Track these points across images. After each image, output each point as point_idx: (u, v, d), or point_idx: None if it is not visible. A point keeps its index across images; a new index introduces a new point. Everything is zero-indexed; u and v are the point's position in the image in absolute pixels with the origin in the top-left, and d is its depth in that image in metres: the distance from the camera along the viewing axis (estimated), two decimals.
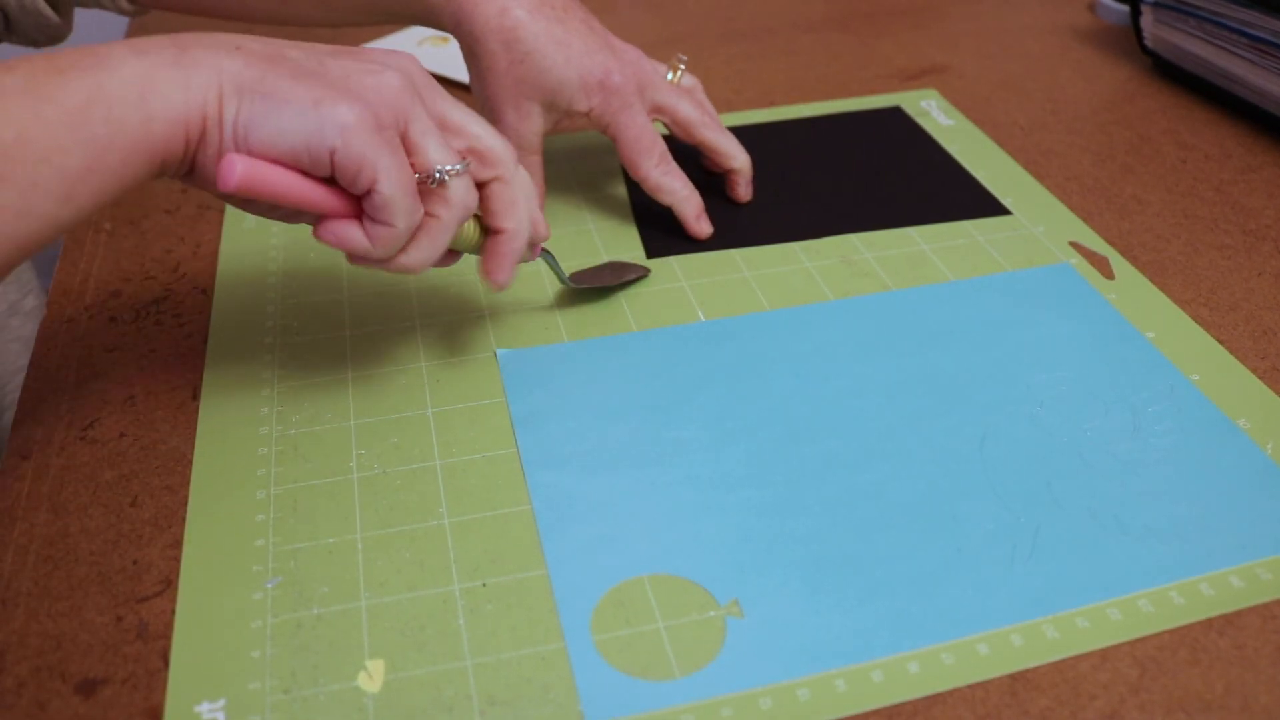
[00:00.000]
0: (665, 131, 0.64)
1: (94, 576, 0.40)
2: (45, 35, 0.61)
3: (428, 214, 0.40)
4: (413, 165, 0.39)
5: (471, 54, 0.54)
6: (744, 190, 0.60)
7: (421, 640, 0.37)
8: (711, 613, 0.38)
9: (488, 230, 0.44)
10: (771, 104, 0.72)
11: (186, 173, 0.38)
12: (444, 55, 0.77)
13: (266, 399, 0.47)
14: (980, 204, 0.61)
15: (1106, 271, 0.55)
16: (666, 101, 0.56)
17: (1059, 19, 0.85)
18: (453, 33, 0.55)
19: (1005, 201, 0.61)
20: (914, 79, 0.75)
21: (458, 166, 0.40)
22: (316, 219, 0.40)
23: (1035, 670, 0.36)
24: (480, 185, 0.43)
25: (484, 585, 0.39)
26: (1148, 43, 0.74)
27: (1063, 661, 0.37)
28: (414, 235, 0.40)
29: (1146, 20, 0.73)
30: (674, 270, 0.55)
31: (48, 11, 0.59)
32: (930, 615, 0.38)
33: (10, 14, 0.59)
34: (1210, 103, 0.71)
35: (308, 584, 0.39)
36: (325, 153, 0.36)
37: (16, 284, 0.74)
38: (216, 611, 0.38)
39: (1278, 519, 0.41)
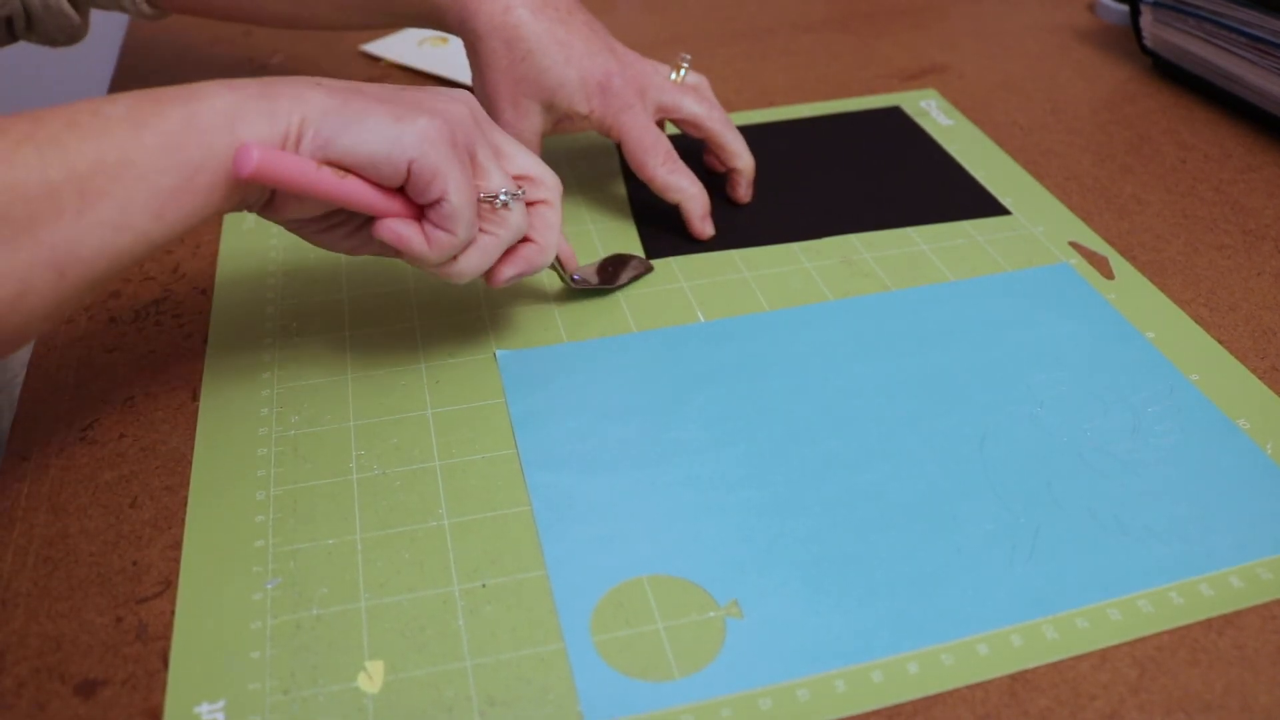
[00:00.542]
0: (675, 131, 0.64)
1: (94, 577, 0.40)
2: (65, 35, 0.61)
3: (483, 230, 0.43)
4: (476, 186, 0.42)
5: (474, 52, 0.54)
6: (744, 191, 0.60)
7: (421, 641, 0.37)
8: (711, 613, 0.38)
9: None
10: (771, 104, 0.72)
11: (266, 201, 0.41)
12: (444, 55, 0.77)
13: (266, 399, 0.47)
14: (980, 204, 0.61)
15: (1106, 271, 0.55)
16: (671, 100, 0.56)
17: (1059, 19, 0.85)
18: (456, 31, 0.55)
19: (1005, 201, 0.61)
20: (914, 79, 0.75)
21: (519, 192, 0.44)
22: (350, 224, 0.43)
23: (1035, 670, 0.36)
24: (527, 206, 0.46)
25: (484, 586, 0.39)
26: (1147, 42, 0.74)
27: (1062, 662, 0.37)
28: (467, 247, 0.43)
29: (1146, 20, 0.73)
30: (673, 271, 0.55)
31: (70, 11, 0.59)
32: (930, 615, 0.38)
33: (33, 13, 0.59)
34: (1210, 102, 0.71)
35: (307, 585, 0.39)
36: (404, 162, 0.39)
37: None
38: (216, 612, 0.38)
39: (1277, 519, 0.41)
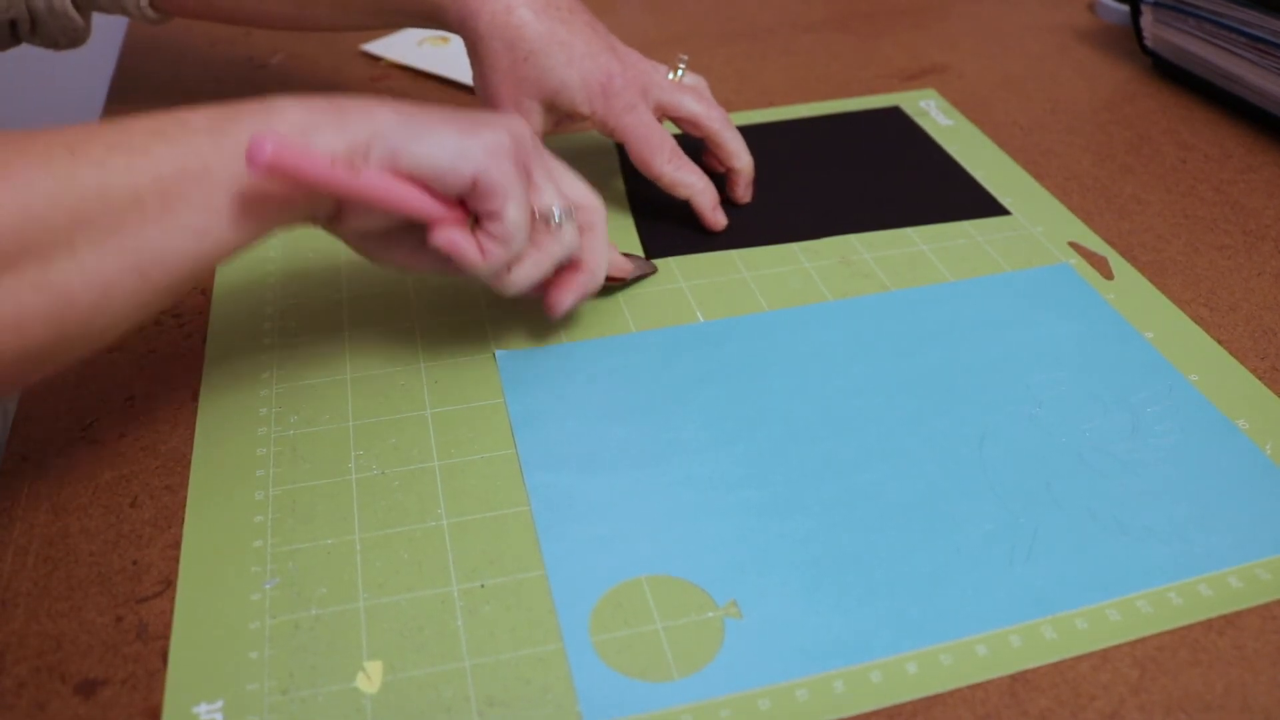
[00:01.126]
0: (675, 130, 0.64)
1: (93, 577, 0.40)
2: (67, 38, 0.61)
3: (536, 246, 0.45)
4: (532, 202, 0.44)
5: (475, 52, 0.55)
6: (743, 191, 0.60)
7: (420, 641, 0.37)
8: (710, 613, 0.38)
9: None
10: (771, 104, 0.72)
11: (334, 214, 0.42)
12: (444, 55, 0.77)
13: (265, 399, 0.47)
14: (979, 204, 0.61)
15: (1106, 272, 0.55)
16: (671, 100, 0.56)
17: (1059, 19, 0.85)
18: (458, 31, 0.55)
19: (1004, 202, 0.61)
20: (914, 79, 0.75)
21: (566, 210, 0.45)
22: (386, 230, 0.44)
23: (1034, 671, 0.36)
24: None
25: (482, 586, 0.39)
26: (1148, 42, 0.74)
27: (1062, 662, 0.37)
28: (521, 260, 0.44)
29: (1146, 20, 0.73)
30: (673, 271, 0.55)
31: (74, 14, 0.59)
32: (929, 616, 0.38)
33: (37, 16, 0.59)
34: (1210, 102, 0.71)
35: (306, 585, 0.39)
36: (470, 175, 0.41)
37: None
38: (215, 612, 0.38)
39: (1277, 519, 0.41)
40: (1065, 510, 0.42)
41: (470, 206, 0.42)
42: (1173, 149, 0.66)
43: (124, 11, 0.61)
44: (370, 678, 0.36)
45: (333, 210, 0.42)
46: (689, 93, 0.57)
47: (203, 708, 0.35)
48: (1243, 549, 0.40)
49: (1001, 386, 0.48)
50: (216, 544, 0.41)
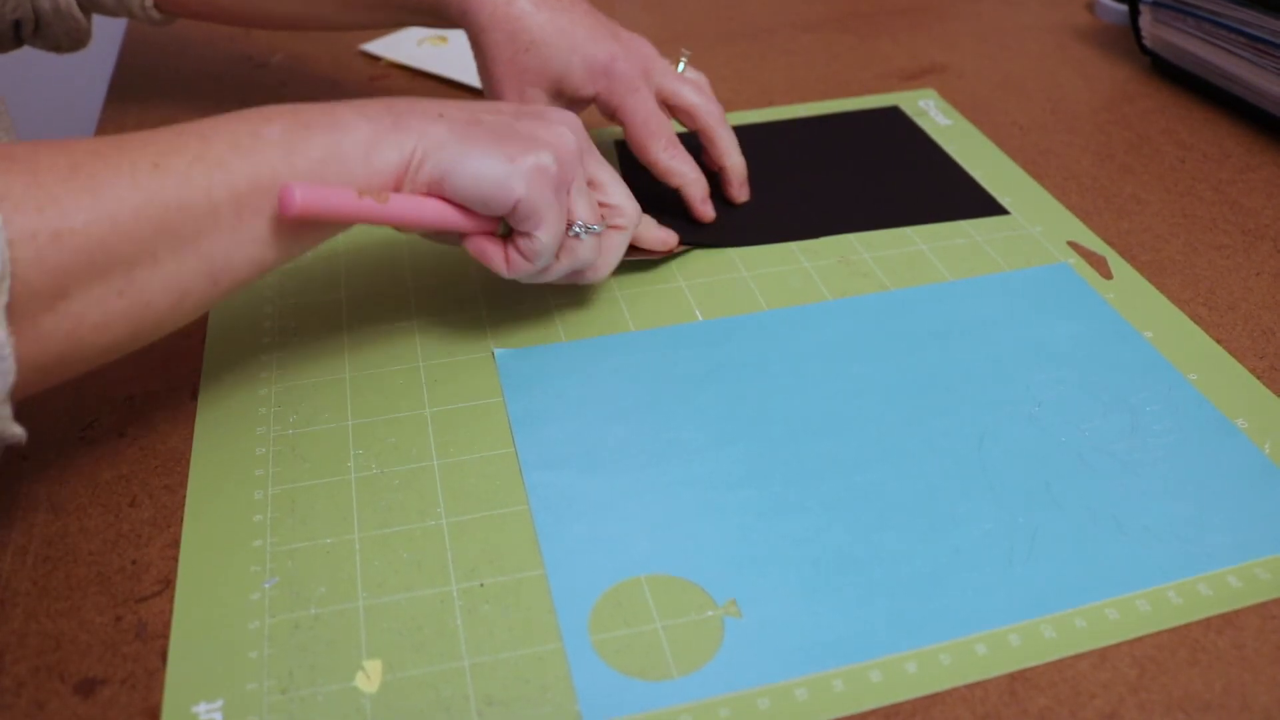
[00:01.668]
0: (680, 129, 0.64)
1: (93, 576, 0.40)
2: (70, 40, 0.62)
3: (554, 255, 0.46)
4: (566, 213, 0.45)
5: (477, 44, 0.55)
6: (737, 189, 0.60)
7: (419, 640, 0.37)
8: (709, 613, 0.38)
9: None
10: (770, 104, 0.72)
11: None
12: (444, 55, 0.77)
13: (264, 399, 0.47)
14: (978, 204, 0.61)
15: (1105, 271, 0.55)
16: (672, 87, 0.57)
17: (1058, 19, 0.85)
18: (459, 24, 0.56)
19: (1003, 201, 0.61)
20: (913, 79, 0.75)
21: (597, 228, 0.46)
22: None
23: (1034, 670, 0.36)
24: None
25: (481, 585, 0.39)
26: (1146, 42, 0.74)
27: (1061, 661, 0.37)
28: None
29: (1145, 20, 0.73)
30: (672, 270, 0.55)
31: (79, 15, 0.59)
32: (928, 615, 0.38)
33: (42, 17, 0.59)
34: (1209, 102, 0.71)
35: (305, 584, 0.39)
36: (512, 201, 0.42)
37: None
38: (214, 612, 0.38)
39: (1276, 519, 0.41)
40: (1064, 510, 0.42)
41: (509, 222, 0.44)
42: (1171, 149, 0.66)
43: (128, 13, 0.61)
44: (369, 677, 0.36)
45: None
46: (689, 84, 0.57)
47: (202, 707, 0.35)
48: (1242, 548, 0.40)
49: (1001, 386, 0.48)
50: (216, 543, 0.41)
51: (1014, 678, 0.36)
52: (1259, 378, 0.48)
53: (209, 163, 0.37)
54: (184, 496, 0.43)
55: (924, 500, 0.42)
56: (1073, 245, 0.57)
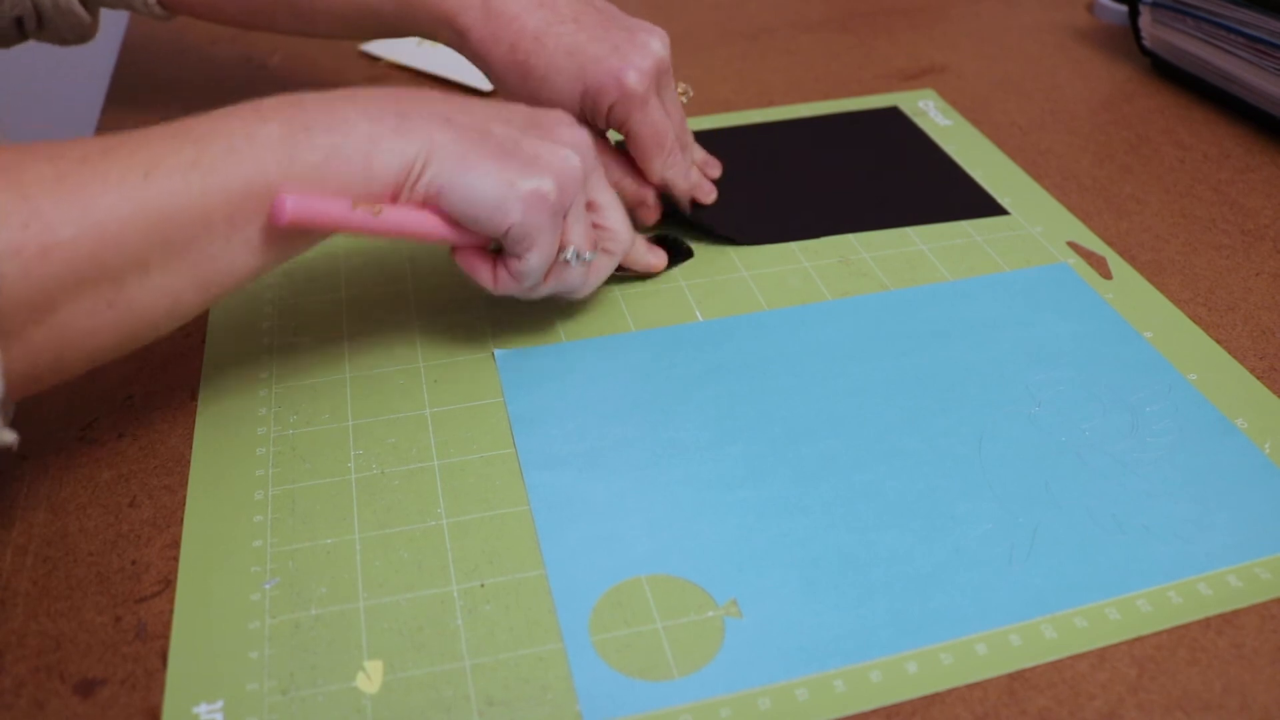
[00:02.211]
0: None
1: (93, 576, 0.40)
2: (75, 34, 0.61)
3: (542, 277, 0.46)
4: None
5: (476, 63, 0.54)
6: (704, 196, 0.58)
7: (420, 641, 0.37)
8: (710, 613, 0.38)
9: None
10: (770, 103, 0.72)
11: None
12: (444, 55, 0.77)
13: (264, 399, 0.47)
14: (978, 204, 0.61)
15: (1104, 271, 0.55)
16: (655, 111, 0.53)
17: (1057, 19, 0.85)
18: (456, 47, 0.54)
19: (1003, 201, 0.61)
20: (912, 79, 0.75)
21: (589, 256, 0.46)
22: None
23: (1034, 670, 0.36)
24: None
25: (482, 585, 0.39)
26: (1146, 43, 0.74)
27: (1061, 661, 0.37)
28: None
29: (1145, 20, 0.73)
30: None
31: (80, 10, 0.59)
32: (928, 615, 0.38)
33: (44, 12, 0.59)
34: (1208, 103, 0.71)
35: (306, 585, 0.39)
36: (506, 225, 0.42)
37: None
38: (214, 612, 0.38)
39: (1275, 518, 0.41)
40: (1064, 509, 0.42)
41: (501, 242, 0.44)
42: (1171, 149, 0.67)
43: (129, 6, 0.61)
44: (370, 677, 0.36)
45: None
46: (660, 117, 0.54)
47: (202, 708, 0.35)
48: (1242, 548, 0.40)
49: (1000, 386, 0.48)
50: (216, 544, 0.41)
51: (1014, 678, 0.36)
52: (1259, 378, 0.48)
53: (202, 170, 0.36)
54: (184, 497, 0.43)
55: (924, 500, 0.42)
56: (1072, 245, 0.57)
